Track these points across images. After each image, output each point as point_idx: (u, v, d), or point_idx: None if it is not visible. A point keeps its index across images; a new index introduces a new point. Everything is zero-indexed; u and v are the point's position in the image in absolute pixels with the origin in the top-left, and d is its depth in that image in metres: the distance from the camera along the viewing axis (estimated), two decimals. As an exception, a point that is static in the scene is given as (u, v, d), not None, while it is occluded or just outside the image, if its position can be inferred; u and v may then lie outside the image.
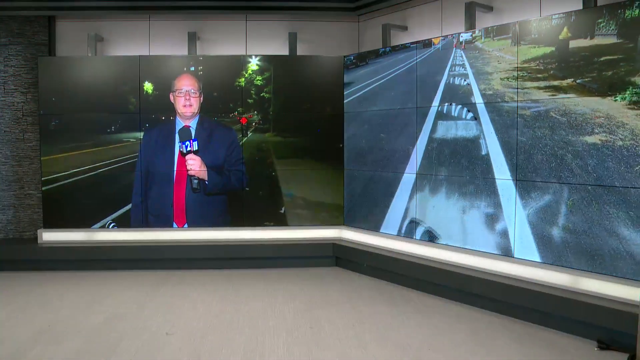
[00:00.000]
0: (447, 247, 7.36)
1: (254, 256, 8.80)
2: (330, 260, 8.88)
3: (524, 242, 5.02)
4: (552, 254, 4.90)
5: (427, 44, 7.73)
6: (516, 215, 5.22)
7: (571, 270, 5.94)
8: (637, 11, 4.35)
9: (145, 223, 8.96)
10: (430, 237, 6.30)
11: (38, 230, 9.01)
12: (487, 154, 5.38)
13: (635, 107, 3.94)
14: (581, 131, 4.41)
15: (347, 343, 5.64)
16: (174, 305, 6.95)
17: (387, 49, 8.40)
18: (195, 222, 9.02)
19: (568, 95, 4.56)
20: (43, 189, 8.92)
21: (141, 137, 8.91)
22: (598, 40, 4.66)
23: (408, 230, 7.20)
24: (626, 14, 4.42)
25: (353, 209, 8.99)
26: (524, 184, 5.03)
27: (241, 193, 9.04)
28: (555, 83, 4.75)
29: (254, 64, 9.01)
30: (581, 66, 4.58)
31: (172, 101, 8.94)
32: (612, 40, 4.57)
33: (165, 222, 8.99)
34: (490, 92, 5.51)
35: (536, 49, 5.16)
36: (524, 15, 6.88)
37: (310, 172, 9.10)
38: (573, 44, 4.81)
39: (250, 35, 9.59)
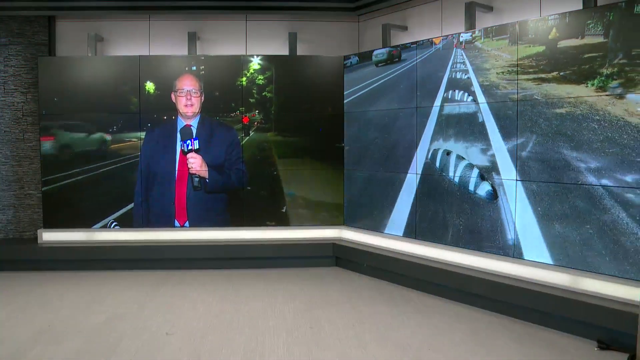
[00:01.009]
0: (447, 247, 7.39)
1: (253, 256, 8.79)
2: (330, 260, 8.88)
3: (504, 163, 6.44)
4: (522, 166, 6.19)
5: (429, 43, 7.75)
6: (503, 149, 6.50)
7: (571, 270, 5.98)
8: (614, 14, 5.20)
9: (146, 221, 8.96)
10: (448, 153, 7.30)
11: (38, 230, 9.01)
12: (483, 121, 6.67)
13: (600, 91, 5.11)
14: (553, 106, 5.67)
15: (347, 343, 5.64)
16: (174, 305, 6.95)
17: (389, 49, 8.39)
18: (196, 220, 9.02)
19: (550, 84, 5.66)
20: (43, 189, 8.92)
21: (142, 136, 8.92)
22: (587, 40, 5.46)
23: (433, 156, 7.54)
24: (611, 16, 5.19)
25: (353, 209, 9.00)
26: (507, 134, 6.36)
27: (242, 192, 9.05)
28: (543, 75, 5.76)
29: (255, 64, 9.01)
30: (567, 62, 5.53)
31: (174, 101, 8.95)
32: (600, 39, 5.36)
33: (167, 220, 8.99)
34: (487, 83, 6.44)
35: (530, 47, 5.93)
36: (524, 15, 6.90)
37: (312, 171, 9.11)
38: (565, 43, 5.61)
39: (250, 35, 9.59)
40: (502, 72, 6.33)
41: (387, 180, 8.33)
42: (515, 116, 6.17)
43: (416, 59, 7.92)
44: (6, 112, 9.28)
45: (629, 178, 5.08)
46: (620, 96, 4.91)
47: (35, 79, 9.09)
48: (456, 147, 7.27)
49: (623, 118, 4.90)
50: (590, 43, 5.38)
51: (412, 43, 8.02)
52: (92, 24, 9.36)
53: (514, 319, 6.28)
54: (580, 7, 5.98)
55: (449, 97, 7.40)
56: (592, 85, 5.20)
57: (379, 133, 8.45)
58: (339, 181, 9.12)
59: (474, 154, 6.98)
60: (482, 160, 6.86)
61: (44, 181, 8.92)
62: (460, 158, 7.16)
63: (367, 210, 8.73)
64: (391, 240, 8.21)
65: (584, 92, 5.29)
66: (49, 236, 8.90)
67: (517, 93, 6.14)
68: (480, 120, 6.85)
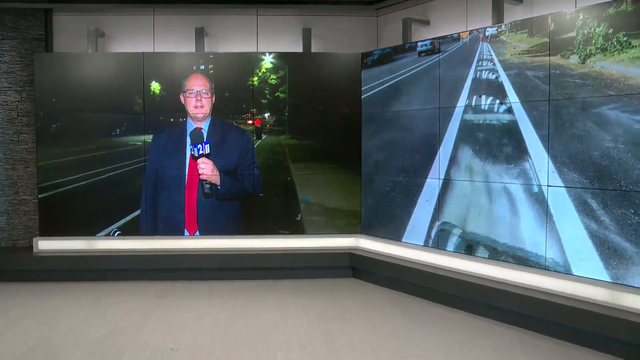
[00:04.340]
0: (470, 257, 7.39)
1: (265, 266, 8.80)
2: (347, 270, 8.88)
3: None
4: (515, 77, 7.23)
5: (453, 39, 7.81)
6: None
7: (609, 285, 5.95)
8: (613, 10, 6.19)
9: (154, 230, 9.02)
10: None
11: (33, 239, 9.05)
12: (498, 75, 7.23)
13: (563, 57, 6.51)
14: (533, 63, 6.87)
15: (363, 359, 5.64)
16: (180, 318, 6.98)
17: (414, 44, 8.39)
18: (207, 229, 9.07)
19: (540, 57, 6.78)
20: (39, 195, 8.97)
21: (148, 139, 8.98)
22: (576, 32, 6.58)
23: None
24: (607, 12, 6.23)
25: (371, 216, 9.02)
26: (516, 81, 7.07)
27: (255, 199, 9.09)
28: (539, 54, 6.83)
29: (268, 62, 9.05)
30: (558, 46, 6.64)
31: (183, 102, 9.00)
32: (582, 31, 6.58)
33: (175, 229, 9.06)
34: (503, 59, 7.18)
35: (540, 38, 6.81)
36: (556, 7, 6.97)
37: (328, 176, 9.16)
38: (569, 34, 6.54)
39: (262, 31, 9.63)
40: (515, 54, 7.10)
41: (407, 186, 8.35)
42: (518, 69, 7.00)
43: (439, 55, 7.96)
44: (-1, 111, 9.34)
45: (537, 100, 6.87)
46: (567, 57, 6.46)
47: (31, 77, 9.17)
48: (480, 159, 7.45)
49: (559, 64, 6.54)
50: (574, 35, 6.53)
51: (438, 38, 8.05)
52: (92, 18, 9.44)
53: (544, 336, 6.24)
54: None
55: (474, 99, 7.56)
56: (561, 55, 6.54)
57: (399, 134, 8.48)
58: (356, 187, 9.13)
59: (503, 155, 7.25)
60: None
61: (40, 187, 8.96)
62: None
63: (385, 217, 8.75)
64: (411, 250, 8.21)
65: (554, 58, 6.63)
66: (46, 245, 8.96)
67: (517, 61, 7.03)
68: (495, 76, 7.34)
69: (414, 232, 8.29)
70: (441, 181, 7.87)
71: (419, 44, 8.23)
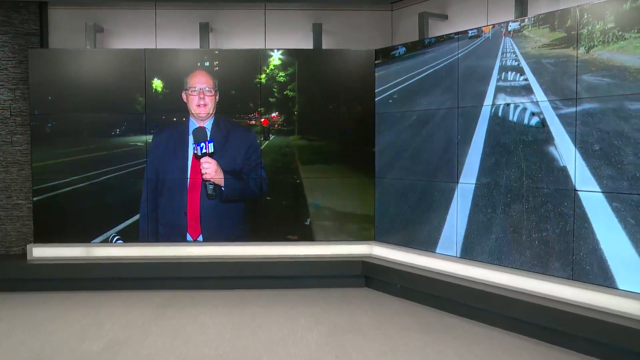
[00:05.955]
0: (492, 266, 7.32)
1: (272, 275, 8.78)
2: (359, 280, 8.84)
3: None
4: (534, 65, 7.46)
5: (477, 33, 7.80)
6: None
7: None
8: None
9: (154, 235, 8.98)
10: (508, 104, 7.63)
11: (27, 246, 9.02)
12: (519, 61, 7.29)
13: (573, 49, 6.81)
14: (548, 53, 7.06)
15: (381, 374, 5.59)
16: (183, 329, 6.95)
17: (433, 39, 8.36)
18: (211, 233, 9.06)
19: (556, 50, 7.00)
20: (34, 198, 8.94)
21: (148, 139, 8.96)
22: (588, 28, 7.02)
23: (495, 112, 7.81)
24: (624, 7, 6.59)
25: (385, 222, 8.97)
26: (534, 65, 7.28)
27: (261, 202, 9.05)
28: (556, 46, 7.06)
29: (276, 59, 9.01)
30: (575, 40, 6.94)
31: (185, 100, 8.97)
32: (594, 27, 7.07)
33: (177, 233, 9.04)
34: (524, 52, 7.30)
35: (559, 33, 7.02)
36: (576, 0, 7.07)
37: (339, 179, 9.12)
38: (583, 30, 6.91)
39: (270, 26, 9.60)
40: (535, 47, 7.23)
41: (424, 190, 8.32)
42: (537, 58, 7.16)
43: (458, 53, 7.93)
44: (-9, 111, 9.30)
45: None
46: (577, 48, 6.77)
47: (25, 74, 9.16)
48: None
49: (569, 53, 6.81)
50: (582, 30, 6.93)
51: (457, 33, 8.00)
52: (91, 12, 9.44)
53: (575, 353, 6.16)
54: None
55: (503, 64, 7.60)
56: (572, 47, 6.83)
57: (415, 134, 8.45)
58: (369, 190, 9.08)
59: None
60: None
61: (35, 189, 8.93)
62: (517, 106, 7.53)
63: (400, 223, 8.71)
64: (429, 258, 8.17)
65: (569, 49, 6.87)
66: (40, 252, 8.94)
67: (536, 52, 7.15)
68: (516, 62, 7.48)
69: (432, 239, 8.24)
70: (466, 185, 7.81)
71: (470, 31, 8.14)
